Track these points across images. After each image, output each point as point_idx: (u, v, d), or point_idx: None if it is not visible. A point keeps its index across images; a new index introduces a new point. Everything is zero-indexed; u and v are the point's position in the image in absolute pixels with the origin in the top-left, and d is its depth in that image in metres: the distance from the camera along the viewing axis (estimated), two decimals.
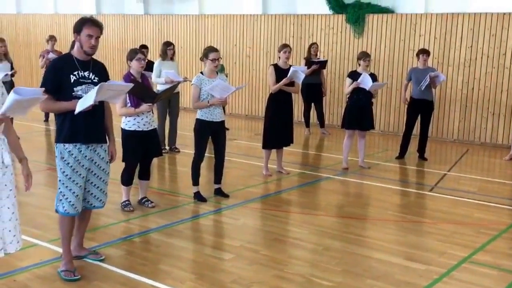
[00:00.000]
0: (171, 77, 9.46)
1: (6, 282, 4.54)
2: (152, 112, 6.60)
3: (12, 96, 3.52)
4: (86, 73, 4.66)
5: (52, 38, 12.47)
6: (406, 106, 10.06)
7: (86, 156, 4.71)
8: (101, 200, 4.93)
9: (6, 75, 10.20)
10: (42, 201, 6.82)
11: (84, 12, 17.91)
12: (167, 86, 9.37)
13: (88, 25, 4.62)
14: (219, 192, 7.33)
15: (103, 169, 4.87)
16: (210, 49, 7.02)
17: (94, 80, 4.68)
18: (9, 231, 4.02)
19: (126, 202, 6.68)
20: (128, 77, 6.43)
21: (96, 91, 4.33)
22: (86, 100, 4.43)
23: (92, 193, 4.85)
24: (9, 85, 10.44)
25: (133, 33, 16.86)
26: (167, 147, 10.05)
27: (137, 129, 6.45)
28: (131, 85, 4.95)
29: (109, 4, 17.78)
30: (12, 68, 10.65)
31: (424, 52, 9.78)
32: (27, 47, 19.26)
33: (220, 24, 15.15)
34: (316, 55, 12.40)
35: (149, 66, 10.29)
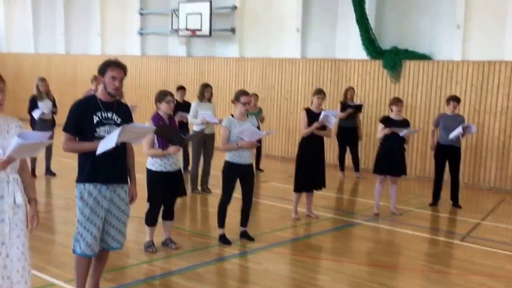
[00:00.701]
0: (207, 118, 9.52)
1: None
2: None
3: (16, 140, 3.56)
4: (109, 114, 4.67)
5: (96, 78, 12.76)
6: (434, 152, 9.88)
7: (105, 197, 4.69)
8: (119, 241, 4.87)
9: (43, 113, 10.47)
10: (67, 240, 6.79)
11: (130, 53, 18.47)
12: (203, 127, 9.49)
13: (112, 67, 4.67)
14: (245, 235, 7.24)
15: (122, 210, 4.82)
16: (242, 93, 7.06)
17: (117, 121, 4.68)
18: (17, 271, 3.95)
19: (149, 243, 6.64)
20: (156, 119, 6.48)
21: (118, 133, 4.32)
22: (108, 141, 4.41)
23: (110, 234, 4.80)
24: (51, 123, 10.74)
25: (175, 74, 17.16)
26: (199, 187, 10.06)
27: (162, 170, 6.46)
28: (153, 128, 4.98)
29: (154, 46, 18.20)
30: (54, 106, 10.91)
31: (454, 99, 9.62)
32: (73, 87, 19.76)
33: (259, 67, 15.29)
34: (352, 99, 12.35)
35: (187, 106, 10.48)
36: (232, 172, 6.98)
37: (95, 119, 4.60)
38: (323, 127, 8.14)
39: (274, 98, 15.01)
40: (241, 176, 7.05)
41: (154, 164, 6.49)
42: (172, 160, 6.51)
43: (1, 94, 3.79)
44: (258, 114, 12.49)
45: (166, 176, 6.48)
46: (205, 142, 9.97)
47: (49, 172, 11.08)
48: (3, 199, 3.82)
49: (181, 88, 11.49)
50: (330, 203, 9.86)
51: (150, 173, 6.53)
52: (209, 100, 9.95)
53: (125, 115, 4.82)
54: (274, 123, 14.67)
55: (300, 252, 6.88)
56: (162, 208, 6.72)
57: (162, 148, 6.36)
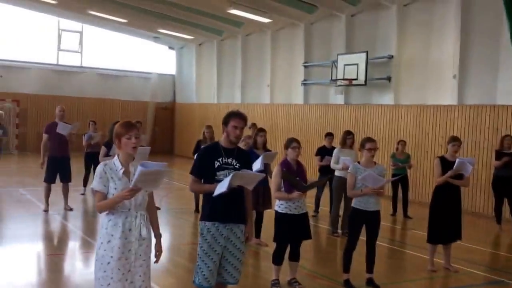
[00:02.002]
0: (347, 163, 9.16)
1: None
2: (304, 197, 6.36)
3: (139, 168, 3.74)
4: (229, 160, 4.83)
5: (253, 125, 13.09)
6: None
7: (222, 235, 4.79)
8: (234, 277, 4.91)
9: None
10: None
11: (294, 102, 18.73)
12: (344, 172, 9.12)
13: (234, 117, 4.85)
14: (370, 283, 6.63)
15: (239, 248, 4.88)
16: (367, 139, 6.67)
17: (236, 166, 4.82)
18: None
19: (275, 281, 6.43)
20: (283, 164, 6.39)
21: (230, 179, 4.49)
22: (222, 185, 4.57)
23: (226, 269, 4.88)
24: None
25: (333, 121, 16.97)
26: (339, 230, 9.62)
27: (288, 212, 6.29)
28: (262, 175, 4.96)
29: (315, 95, 18.25)
30: None
31: None
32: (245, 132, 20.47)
33: (414, 114, 14.48)
34: (510, 147, 11.03)
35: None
36: (358, 218, 6.52)
37: (216, 164, 4.80)
38: (459, 176, 7.30)
39: (428, 145, 14.03)
40: (367, 222, 6.54)
41: (280, 206, 6.36)
42: (298, 203, 6.31)
43: (137, 140, 4.04)
44: (406, 160, 11.77)
45: (291, 218, 6.29)
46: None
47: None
48: (130, 231, 4.01)
49: (329, 135, 11.27)
50: (477, 257, 8.61)
51: (277, 215, 6.41)
52: (351, 147, 9.60)
53: (244, 160, 4.96)
54: (427, 170, 13.67)
55: None
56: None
57: (287, 192, 6.22)
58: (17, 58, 22.69)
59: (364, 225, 6.56)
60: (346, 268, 6.62)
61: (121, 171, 4.02)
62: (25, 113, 22.23)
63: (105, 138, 10.14)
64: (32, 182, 13.50)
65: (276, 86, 20.01)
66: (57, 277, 6.75)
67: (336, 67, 16.23)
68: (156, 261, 4.25)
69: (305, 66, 18.37)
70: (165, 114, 26.04)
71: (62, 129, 10.07)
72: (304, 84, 18.46)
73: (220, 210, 4.75)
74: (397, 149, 11.91)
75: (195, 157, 5.22)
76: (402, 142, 11.82)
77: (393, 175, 11.47)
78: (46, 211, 10.24)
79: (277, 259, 6.46)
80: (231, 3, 16.69)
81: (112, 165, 4.05)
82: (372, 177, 6.34)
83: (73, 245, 8.66)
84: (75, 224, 9.78)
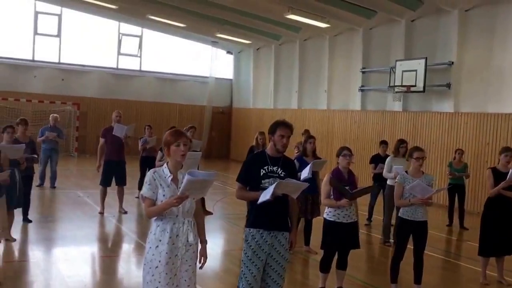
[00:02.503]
0: (399, 172, 9.23)
1: None
2: (352, 206, 6.51)
3: (186, 177, 3.97)
4: (275, 168, 5.01)
5: (306, 132, 13.31)
6: None
7: (267, 242, 4.95)
8: (278, 283, 5.03)
9: None
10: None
11: (352, 108, 18.78)
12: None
13: (281, 127, 5.03)
14: None
15: (283, 255, 5.02)
16: (415, 149, 6.77)
17: (281, 175, 4.98)
18: None
19: None
20: (334, 172, 6.57)
21: (274, 187, 4.66)
22: (267, 193, 4.74)
23: (270, 276, 5.02)
24: None
25: (390, 128, 16.92)
26: (391, 240, 9.67)
27: (336, 220, 6.45)
28: (306, 184, 5.08)
29: (373, 101, 18.24)
30: None
31: None
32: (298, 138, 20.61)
33: (473, 122, 14.27)
34: None
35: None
36: (405, 228, 6.63)
37: (262, 172, 4.99)
38: None
39: (487, 154, 13.79)
40: (414, 233, 6.65)
41: (329, 214, 6.54)
42: (346, 212, 6.45)
43: (185, 148, 4.30)
44: (463, 170, 11.69)
45: (340, 226, 6.45)
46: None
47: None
48: (177, 237, 4.26)
49: (383, 143, 11.36)
50: None
51: (325, 222, 6.59)
52: (404, 156, 9.65)
53: (290, 169, 5.13)
54: (485, 180, 13.43)
55: None
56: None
57: (336, 200, 6.39)
58: (78, 62, 23.80)
59: (411, 235, 6.67)
60: (393, 278, 6.75)
61: (170, 178, 4.28)
62: (85, 116, 23.24)
63: (161, 143, 10.59)
64: (90, 185, 14.20)
65: (333, 91, 20.11)
66: (111, 278, 7.13)
67: (394, 73, 16.21)
68: (201, 267, 4.47)
69: (363, 72, 18.40)
70: (222, 118, 26.58)
71: (118, 130, 10.62)
72: (362, 90, 18.49)
73: (265, 218, 4.92)
74: (454, 158, 11.84)
75: (242, 165, 5.36)
76: (460, 151, 11.74)
77: (450, 185, 11.43)
78: (101, 213, 10.81)
79: (324, 267, 6.65)
80: (289, 8, 16.96)
81: (161, 172, 4.32)
82: (421, 187, 6.44)
83: (127, 248, 9.10)
84: (129, 227, 10.27)
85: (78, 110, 23.08)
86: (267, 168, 4.99)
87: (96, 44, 23.97)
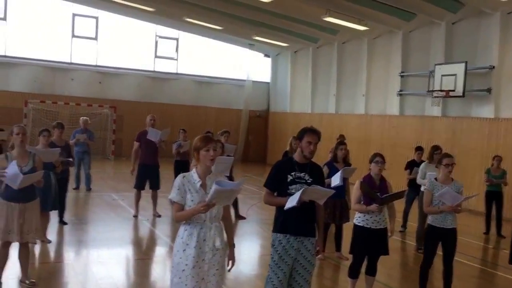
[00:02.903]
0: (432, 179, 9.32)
1: None
2: (383, 212, 6.64)
3: (214, 186, 4.22)
4: (302, 174, 5.18)
5: (341, 137, 13.46)
6: None
7: (293, 247, 5.14)
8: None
9: None
10: None
11: (390, 113, 18.77)
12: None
13: (308, 133, 5.21)
14: None
15: (309, 260, 5.20)
16: (445, 155, 6.88)
17: (308, 181, 5.15)
18: None
19: None
20: (366, 178, 6.71)
21: (300, 193, 4.83)
22: (293, 199, 4.91)
23: (297, 281, 5.21)
24: None
25: (429, 133, 16.87)
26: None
27: (365, 226, 6.57)
28: (332, 191, 5.22)
29: (411, 106, 18.22)
30: None
31: None
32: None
33: None
34: None
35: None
36: (434, 235, 6.74)
37: (289, 178, 5.16)
38: None
39: None
40: (443, 240, 6.76)
41: (358, 219, 6.67)
42: (376, 218, 6.56)
43: (215, 153, 4.56)
44: (501, 177, 11.66)
45: (368, 232, 6.57)
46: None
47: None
48: (204, 242, 4.51)
49: (419, 149, 11.44)
50: None
51: (354, 228, 6.74)
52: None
53: (317, 175, 5.29)
54: None
55: None
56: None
57: (366, 205, 6.53)
58: (115, 65, 24.46)
59: (441, 242, 6.77)
60: (423, 285, 6.86)
61: (199, 184, 4.53)
62: (121, 119, 23.81)
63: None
64: (125, 188, 14.59)
65: (371, 96, 20.15)
66: (144, 281, 7.39)
67: (433, 78, 16.17)
68: (229, 270, 4.73)
69: (402, 76, 18.39)
70: (259, 122, 26.84)
71: (152, 135, 10.98)
72: (400, 95, 18.48)
73: (291, 223, 5.09)
74: (492, 164, 11.80)
75: (270, 171, 5.49)
76: (498, 158, 11.70)
77: (487, 192, 11.42)
78: (135, 216, 11.20)
79: (353, 273, 6.78)
80: (327, 10, 17.11)
81: (190, 177, 4.58)
82: (450, 194, 6.52)
83: (160, 251, 9.38)
84: (162, 230, 10.58)
85: (115, 113, 23.66)
86: (294, 174, 5.16)
87: (133, 47, 24.62)
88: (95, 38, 24.18)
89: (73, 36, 23.89)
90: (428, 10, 16.33)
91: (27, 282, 6.59)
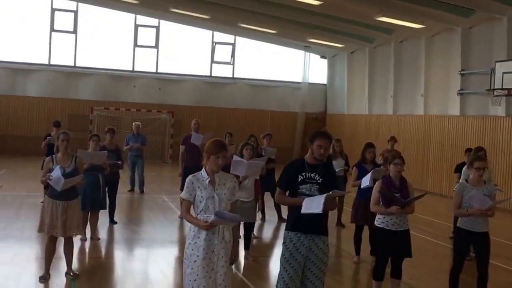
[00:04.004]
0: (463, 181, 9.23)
1: None
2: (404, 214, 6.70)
3: (213, 217, 4.72)
4: (312, 175, 5.37)
5: (392, 139, 13.42)
6: None
7: (304, 244, 5.31)
8: (316, 285, 5.36)
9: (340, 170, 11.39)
10: None
11: (450, 113, 18.44)
12: None
13: (319, 137, 5.39)
14: None
15: (321, 259, 5.35)
16: (476, 158, 6.78)
17: (318, 181, 5.34)
18: None
19: None
20: (385, 179, 6.86)
21: (324, 201, 5.02)
22: (313, 205, 5.09)
23: (309, 279, 5.36)
24: (342, 179, 11.64)
25: (491, 134, 16.43)
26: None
27: (385, 228, 6.65)
28: (344, 192, 5.43)
29: (473, 105, 17.77)
30: (346, 164, 11.83)
31: None
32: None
33: None
34: None
35: None
36: (463, 239, 6.63)
37: (300, 178, 5.37)
38: None
39: None
40: (475, 245, 6.68)
41: (378, 221, 6.77)
42: (396, 220, 6.61)
43: (223, 160, 4.93)
44: None
45: (388, 234, 6.63)
46: None
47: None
48: (214, 234, 4.88)
49: (469, 150, 11.26)
50: None
51: (376, 229, 6.83)
52: None
53: (328, 176, 5.46)
54: None
55: None
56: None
57: (386, 206, 6.61)
58: (174, 71, 25.28)
59: (473, 247, 6.75)
60: None
61: (207, 181, 4.89)
62: (179, 124, 24.43)
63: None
64: (177, 191, 15.13)
65: (430, 96, 19.79)
66: (176, 279, 7.60)
67: (494, 75, 15.78)
68: (230, 264, 5.03)
69: (462, 74, 18.03)
70: (316, 124, 26.86)
71: (196, 139, 11.41)
72: (461, 94, 18.10)
73: (303, 221, 5.25)
74: None
75: (282, 171, 5.65)
76: None
77: None
78: (181, 217, 11.64)
79: (377, 275, 6.84)
80: (380, 10, 17.07)
81: (199, 176, 4.96)
82: (478, 197, 6.42)
83: None
84: None
85: (173, 118, 24.42)
86: (305, 175, 5.35)
87: (191, 53, 25.35)
88: (156, 47, 25.13)
89: (136, 45, 24.96)
90: (486, 5, 15.88)
91: (71, 274, 7.21)
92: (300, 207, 5.19)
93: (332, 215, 11.41)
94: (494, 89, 15.76)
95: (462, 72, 17.97)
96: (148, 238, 10.03)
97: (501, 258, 9.05)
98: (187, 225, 10.80)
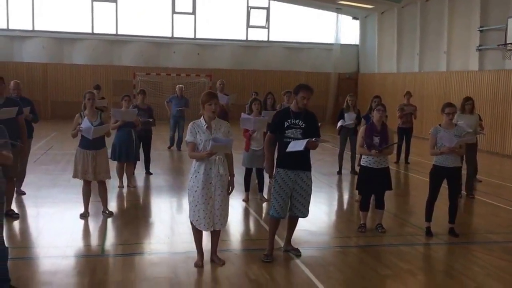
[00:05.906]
0: (464, 128, 10.04)
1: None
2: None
3: (211, 143, 5.90)
4: (296, 121, 6.51)
5: (407, 93, 14.30)
6: None
7: (290, 178, 6.53)
8: (302, 211, 6.67)
9: (344, 122, 12.45)
10: None
11: (470, 69, 19.03)
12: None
13: (303, 90, 6.52)
14: (451, 232, 7.86)
15: (305, 189, 6.59)
16: (447, 105, 7.79)
17: (301, 126, 6.49)
18: (217, 216, 6.20)
19: (362, 225, 8.04)
20: (369, 125, 7.99)
21: (305, 143, 6.27)
22: (297, 145, 6.33)
23: (296, 206, 6.64)
24: (352, 130, 12.65)
25: (504, 88, 17.10)
26: (463, 192, 10.49)
27: (368, 166, 7.85)
28: (327, 140, 6.50)
29: (491, 61, 18.34)
30: (357, 118, 12.76)
31: None
32: (419, 101, 21.17)
33: None
34: None
35: None
36: (437, 173, 7.79)
37: (286, 124, 6.55)
38: None
39: None
40: (447, 178, 7.79)
41: (362, 160, 7.98)
42: (377, 159, 7.77)
43: (216, 106, 6.08)
44: None
45: (371, 171, 7.81)
46: (468, 148, 10.38)
47: None
48: (211, 169, 6.10)
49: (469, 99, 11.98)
50: None
51: (360, 168, 8.06)
52: (471, 112, 10.40)
53: (310, 121, 6.59)
54: None
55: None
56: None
57: (368, 149, 7.78)
58: (211, 37, 26.49)
59: (446, 180, 7.81)
60: (428, 217, 7.93)
61: (205, 127, 6.10)
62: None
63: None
64: None
65: (452, 53, 20.42)
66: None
67: (507, 31, 16.31)
68: (228, 194, 6.20)
69: (481, 31, 18.54)
70: (349, 84, 27.70)
71: (221, 99, 12.62)
72: (479, 50, 18.66)
73: (289, 159, 6.41)
74: None
75: (272, 119, 6.93)
76: None
77: None
78: None
79: (362, 207, 8.10)
80: None
81: (199, 123, 6.17)
82: (447, 137, 7.54)
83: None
84: None
85: (211, 81, 25.70)
86: (290, 121, 6.47)
87: (227, 19, 26.48)
88: (193, 13, 26.31)
89: (174, 12, 26.19)
90: None
91: (106, 212, 8.55)
92: (286, 147, 6.40)
93: (346, 163, 12.58)
94: (506, 44, 16.29)
95: (481, 29, 18.53)
96: (179, 186, 11.21)
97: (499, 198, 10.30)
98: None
